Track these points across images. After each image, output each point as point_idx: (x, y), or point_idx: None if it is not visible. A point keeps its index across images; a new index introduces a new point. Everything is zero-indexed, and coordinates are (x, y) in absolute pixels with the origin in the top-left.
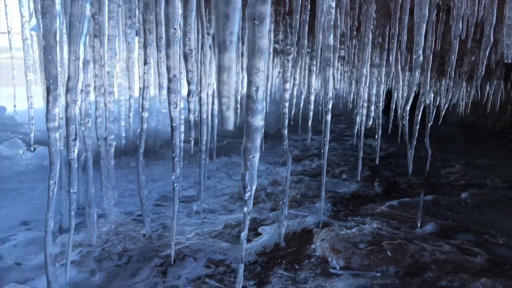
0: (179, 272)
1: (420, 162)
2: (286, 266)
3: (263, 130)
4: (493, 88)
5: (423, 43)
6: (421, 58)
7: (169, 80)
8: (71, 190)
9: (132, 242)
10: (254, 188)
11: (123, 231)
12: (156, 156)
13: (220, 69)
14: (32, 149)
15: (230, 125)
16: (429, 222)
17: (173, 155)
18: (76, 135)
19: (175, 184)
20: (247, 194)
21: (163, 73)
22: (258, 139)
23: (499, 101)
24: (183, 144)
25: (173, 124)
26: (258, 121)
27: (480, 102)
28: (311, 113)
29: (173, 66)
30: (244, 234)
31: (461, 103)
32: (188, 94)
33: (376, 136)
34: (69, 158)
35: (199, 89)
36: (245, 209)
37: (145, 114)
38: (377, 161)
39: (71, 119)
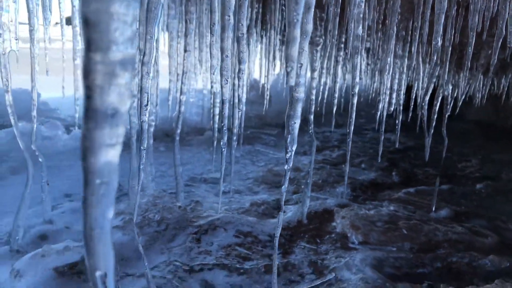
0: (212, 240)
1: (437, 156)
2: (308, 240)
3: (303, 101)
4: (508, 81)
5: (441, 32)
6: (439, 44)
7: (222, 60)
8: (142, 148)
9: (168, 212)
10: (294, 149)
11: (160, 203)
12: (184, 142)
13: (288, 41)
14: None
15: (292, 82)
16: (444, 208)
17: (222, 124)
18: (148, 101)
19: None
20: (288, 154)
21: (215, 54)
22: (299, 109)
23: None
24: (208, 132)
25: (223, 98)
26: (300, 93)
27: (499, 101)
28: (335, 100)
29: (226, 47)
30: (284, 187)
31: (477, 95)
32: (239, 71)
33: (397, 121)
34: (141, 120)
35: (234, 74)
36: (286, 166)
37: (183, 98)
38: (396, 145)
39: (144, 88)
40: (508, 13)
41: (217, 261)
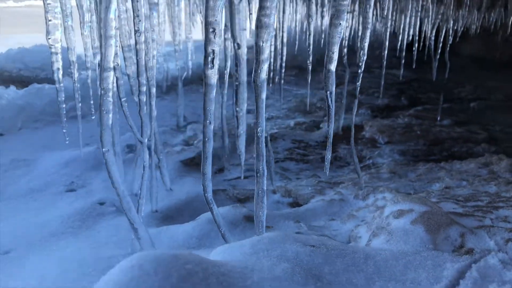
0: (276, 145)
1: (437, 84)
2: (346, 142)
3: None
4: (495, 15)
5: None
6: None
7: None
8: None
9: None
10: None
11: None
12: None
13: None
14: None
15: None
16: (446, 118)
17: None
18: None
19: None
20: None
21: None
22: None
23: (507, 33)
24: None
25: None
26: (338, 37)
27: (488, 37)
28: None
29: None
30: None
31: (473, 27)
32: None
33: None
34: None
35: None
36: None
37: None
38: (400, 76)
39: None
40: None
41: (285, 157)
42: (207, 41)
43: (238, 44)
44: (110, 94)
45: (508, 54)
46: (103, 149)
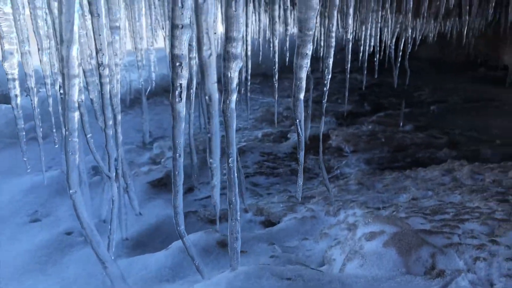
0: (245, 159)
1: (398, 89)
2: (314, 153)
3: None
4: (451, 23)
5: None
6: None
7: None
8: None
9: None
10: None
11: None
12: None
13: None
14: None
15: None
16: (408, 124)
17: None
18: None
19: None
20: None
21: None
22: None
23: (464, 38)
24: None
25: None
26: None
27: (445, 41)
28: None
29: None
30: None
31: (430, 35)
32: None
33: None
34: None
35: None
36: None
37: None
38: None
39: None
40: None
41: (255, 171)
42: (174, 74)
43: (209, 97)
44: (76, 134)
45: (462, 56)
46: (70, 191)
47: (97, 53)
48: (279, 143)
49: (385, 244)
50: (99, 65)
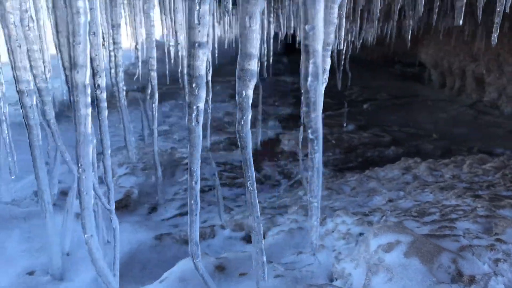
0: (203, 171)
1: (331, 89)
2: (269, 158)
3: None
4: (389, 27)
5: None
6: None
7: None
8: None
9: (160, 156)
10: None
11: (149, 151)
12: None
13: None
14: None
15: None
16: (350, 124)
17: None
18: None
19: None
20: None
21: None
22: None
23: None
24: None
25: None
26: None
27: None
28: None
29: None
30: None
31: (369, 38)
32: None
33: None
34: None
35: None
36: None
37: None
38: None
39: None
40: None
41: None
42: (191, 97)
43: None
44: (91, 170)
45: (380, 53)
46: (86, 235)
47: (94, 76)
48: (231, 152)
49: (406, 254)
50: (97, 87)
